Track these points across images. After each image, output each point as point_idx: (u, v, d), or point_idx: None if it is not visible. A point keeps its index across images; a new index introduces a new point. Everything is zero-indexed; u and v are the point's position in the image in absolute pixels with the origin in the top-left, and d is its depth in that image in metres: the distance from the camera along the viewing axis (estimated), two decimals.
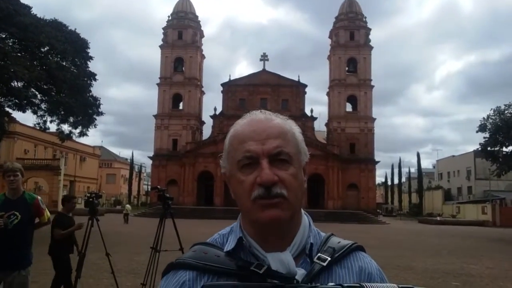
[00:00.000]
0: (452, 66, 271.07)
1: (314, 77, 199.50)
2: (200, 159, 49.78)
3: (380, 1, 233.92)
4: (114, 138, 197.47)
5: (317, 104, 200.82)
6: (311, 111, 55.64)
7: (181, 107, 57.88)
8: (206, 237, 1.06)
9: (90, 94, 25.26)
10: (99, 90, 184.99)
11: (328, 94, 58.63)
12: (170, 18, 59.30)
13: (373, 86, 55.85)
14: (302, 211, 1.03)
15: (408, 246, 19.14)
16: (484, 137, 31.12)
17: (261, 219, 0.91)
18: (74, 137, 27.17)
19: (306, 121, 52.10)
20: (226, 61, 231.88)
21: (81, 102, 23.74)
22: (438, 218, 46.85)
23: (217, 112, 55.57)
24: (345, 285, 0.80)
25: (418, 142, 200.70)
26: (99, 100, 25.68)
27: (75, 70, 24.15)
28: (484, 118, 31.22)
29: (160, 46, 58.00)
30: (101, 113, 25.94)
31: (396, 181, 70.13)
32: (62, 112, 23.96)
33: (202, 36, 60.90)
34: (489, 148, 31.52)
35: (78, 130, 25.46)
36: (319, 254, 0.96)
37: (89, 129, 25.59)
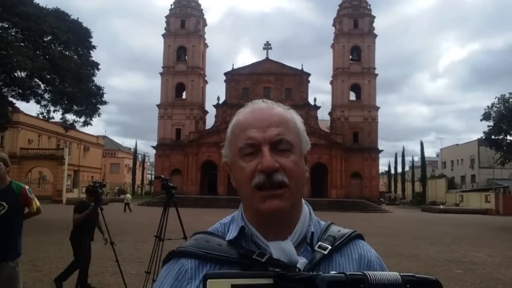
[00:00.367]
0: (456, 54, 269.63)
1: (318, 65, 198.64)
2: (203, 148, 49.78)
3: None
4: (117, 127, 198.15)
5: (320, 93, 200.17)
6: (315, 100, 55.75)
7: (184, 96, 57.71)
8: (210, 225, 1.06)
9: (94, 83, 25.26)
10: (102, 79, 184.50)
11: (331, 82, 58.31)
12: (172, 6, 58.81)
13: (377, 75, 55.57)
14: (303, 200, 1.03)
15: (411, 234, 19.18)
16: (488, 126, 31.04)
17: (262, 209, 0.92)
18: (78, 126, 27.19)
19: (309, 110, 52.01)
20: (229, 50, 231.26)
21: (85, 91, 23.72)
22: (441, 207, 46.88)
23: (220, 102, 55.38)
24: (348, 273, 0.80)
25: (421, 131, 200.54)
26: (103, 89, 25.68)
27: (78, 60, 24.09)
28: (488, 106, 31.14)
29: (163, 35, 57.64)
30: (105, 102, 25.91)
31: (399, 169, 70.42)
32: (66, 102, 23.94)
33: (205, 24, 60.49)
34: (493, 137, 31.39)
35: (82, 119, 25.49)
36: (320, 243, 0.97)
37: (93, 118, 25.61)
